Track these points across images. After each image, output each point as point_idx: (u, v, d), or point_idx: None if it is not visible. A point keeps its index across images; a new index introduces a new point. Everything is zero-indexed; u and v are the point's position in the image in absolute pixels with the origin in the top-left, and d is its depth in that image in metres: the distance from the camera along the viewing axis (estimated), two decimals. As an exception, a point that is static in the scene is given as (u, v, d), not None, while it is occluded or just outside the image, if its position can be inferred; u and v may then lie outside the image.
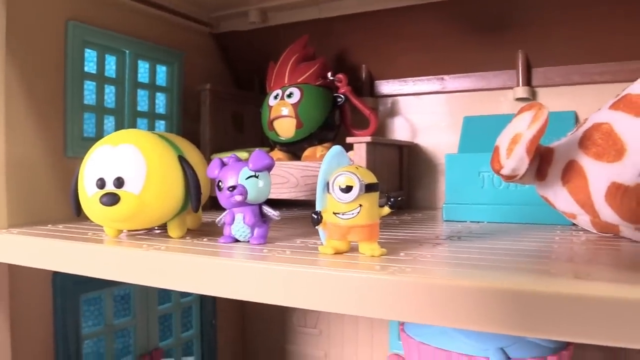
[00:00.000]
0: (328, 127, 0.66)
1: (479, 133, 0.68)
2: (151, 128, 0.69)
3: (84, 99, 0.60)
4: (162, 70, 0.71)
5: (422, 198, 0.74)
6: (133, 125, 0.66)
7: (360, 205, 0.33)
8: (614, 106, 0.41)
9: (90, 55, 0.61)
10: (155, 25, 0.69)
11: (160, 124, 0.72)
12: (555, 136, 0.65)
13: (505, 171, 0.39)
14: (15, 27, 0.52)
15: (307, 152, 0.65)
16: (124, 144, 0.38)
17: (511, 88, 0.68)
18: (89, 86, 0.61)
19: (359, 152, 0.59)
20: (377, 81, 0.76)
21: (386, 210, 0.34)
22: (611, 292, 0.23)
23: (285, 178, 0.64)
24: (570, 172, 0.41)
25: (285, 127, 0.65)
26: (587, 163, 0.40)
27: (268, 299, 0.32)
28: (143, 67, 0.68)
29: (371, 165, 0.60)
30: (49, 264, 0.42)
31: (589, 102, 0.64)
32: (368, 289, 0.29)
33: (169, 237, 0.42)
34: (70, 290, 0.57)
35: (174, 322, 0.73)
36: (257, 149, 0.40)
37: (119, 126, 0.64)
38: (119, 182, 0.37)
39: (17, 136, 0.53)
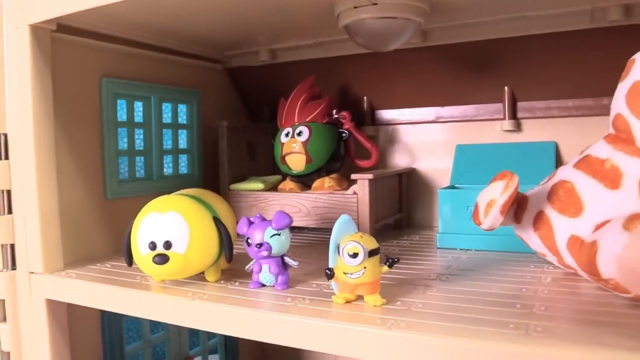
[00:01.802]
0: (334, 159, 0.74)
1: (471, 160, 0.76)
2: (175, 163, 0.77)
3: (118, 144, 0.68)
4: (182, 109, 0.79)
5: (420, 217, 0.82)
6: (160, 162, 0.73)
7: (365, 267, 0.41)
8: (577, 165, 0.49)
9: (121, 104, 0.69)
10: (174, 69, 0.76)
11: (183, 158, 0.79)
12: (538, 164, 0.73)
13: (483, 227, 0.47)
14: (58, 85, 0.59)
15: (316, 183, 0.74)
16: (170, 212, 0.46)
17: (499, 119, 0.75)
18: (122, 132, 0.69)
19: (363, 187, 0.67)
20: (377, 110, 0.83)
21: (385, 268, 0.42)
22: (557, 351, 0.32)
23: (298, 208, 0.72)
24: (539, 221, 0.49)
25: (296, 162, 0.73)
26: (553, 215, 0.48)
27: (292, 343, 0.40)
28: (166, 108, 0.76)
29: (373, 195, 0.68)
30: (106, 306, 0.51)
31: (568, 133, 0.72)
32: (371, 340, 0.37)
33: (206, 280, 0.51)
34: (114, 314, 0.66)
35: (200, 332, 0.82)
36: (277, 211, 0.48)
37: (148, 165, 0.72)
38: (168, 245, 0.45)
39: (65, 184, 0.61)
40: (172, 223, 0.46)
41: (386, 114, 0.83)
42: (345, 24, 0.56)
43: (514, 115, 0.74)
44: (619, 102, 0.47)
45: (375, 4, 0.52)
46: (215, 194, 0.57)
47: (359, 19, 0.54)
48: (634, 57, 0.47)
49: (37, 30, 0.55)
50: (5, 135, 0.57)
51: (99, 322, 0.66)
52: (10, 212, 0.58)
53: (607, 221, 0.44)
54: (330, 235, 0.43)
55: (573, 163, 0.50)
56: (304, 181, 0.75)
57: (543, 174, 0.68)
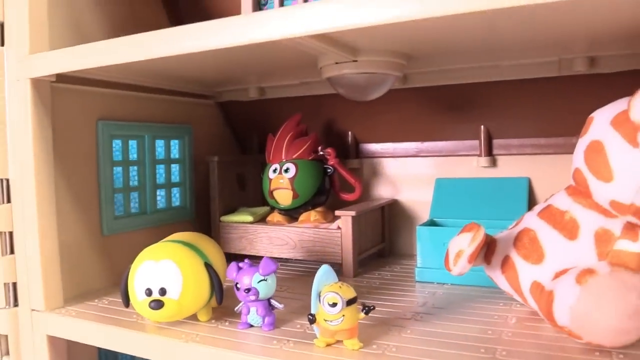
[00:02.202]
0: (320, 193, 0.78)
1: (449, 193, 0.80)
2: (168, 196, 0.81)
3: (114, 182, 0.71)
4: (175, 144, 0.82)
5: (402, 246, 0.86)
6: (153, 196, 0.77)
7: (344, 315, 0.45)
8: (540, 214, 0.53)
9: (117, 144, 0.72)
10: (167, 107, 0.80)
11: (175, 191, 0.83)
12: (512, 198, 0.77)
13: (453, 273, 0.52)
14: (57, 130, 0.62)
15: (303, 216, 0.78)
16: (164, 260, 0.50)
17: (476, 155, 0.80)
18: (117, 170, 0.72)
19: (346, 223, 0.71)
20: (361, 144, 0.87)
21: (362, 315, 0.46)
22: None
23: (285, 240, 0.76)
24: (506, 264, 0.54)
25: (284, 197, 0.76)
26: (518, 260, 0.52)
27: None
28: (159, 144, 0.79)
29: (356, 230, 0.72)
30: (104, 345, 0.55)
31: (540, 169, 0.76)
32: (349, 385, 0.41)
33: (198, 320, 0.54)
34: (110, 344, 0.70)
35: None
36: (264, 257, 0.51)
37: (142, 200, 0.76)
38: (163, 291, 0.49)
39: (63, 223, 0.64)
40: (166, 271, 0.49)
41: (370, 148, 0.87)
42: (328, 77, 0.60)
43: (489, 152, 0.78)
44: (578, 158, 0.51)
45: (356, 60, 0.56)
46: (206, 236, 0.60)
47: (340, 73, 0.58)
48: (592, 115, 0.52)
49: (37, 83, 0.59)
50: (8, 180, 0.61)
51: (97, 356, 0.69)
52: (12, 252, 0.62)
53: (565, 270, 0.48)
54: (314, 267, 0.47)
55: (537, 211, 0.54)
56: (291, 214, 0.79)
57: (516, 208, 0.72)
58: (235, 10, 0.53)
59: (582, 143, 0.51)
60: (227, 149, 0.94)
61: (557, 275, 0.48)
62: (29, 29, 0.58)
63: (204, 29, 0.45)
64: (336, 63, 0.58)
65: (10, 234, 0.62)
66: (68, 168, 0.65)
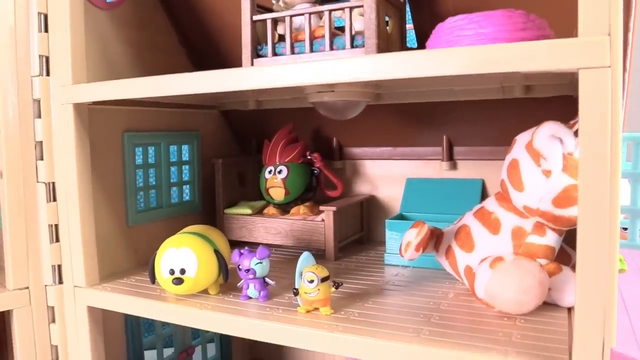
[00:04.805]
0: (308, 191, 0.94)
1: (417, 190, 0.95)
2: (180, 192, 0.96)
3: (136, 182, 0.86)
4: (185, 148, 0.97)
5: (378, 234, 1.01)
6: (168, 193, 0.92)
7: (319, 289, 0.60)
8: (475, 214, 0.69)
9: (138, 150, 0.87)
10: (179, 118, 0.95)
11: (186, 188, 0.98)
12: (468, 195, 0.92)
13: (404, 259, 0.67)
14: (92, 141, 0.76)
15: (293, 210, 0.93)
16: (183, 247, 0.65)
17: (439, 160, 0.94)
18: (139, 172, 0.87)
19: (328, 216, 0.86)
20: (344, 148, 1.02)
21: (333, 290, 0.61)
22: (432, 348, 0.51)
23: (278, 230, 0.91)
24: (449, 252, 0.69)
25: (277, 194, 0.92)
26: (457, 249, 0.68)
27: (271, 340, 0.60)
28: (173, 150, 0.94)
29: (337, 222, 0.87)
30: (136, 313, 0.70)
31: (492, 172, 0.91)
32: (319, 338, 0.57)
33: (209, 293, 0.70)
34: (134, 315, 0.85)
35: (200, 327, 1.02)
36: (260, 245, 0.67)
37: (159, 196, 0.91)
38: (182, 271, 0.64)
39: (98, 216, 0.79)
40: (185, 256, 0.65)
41: (352, 151, 1.02)
42: (312, 102, 0.75)
43: (450, 157, 0.93)
44: (503, 171, 0.66)
45: (333, 90, 0.71)
46: (215, 228, 0.76)
47: (321, 100, 0.72)
48: (516, 137, 0.66)
49: (78, 106, 0.73)
50: (54, 184, 0.76)
51: (123, 321, 0.85)
52: (57, 240, 0.77)
53: (488, 257, 0.63)
54: (302, 252, 0.63)
55: (474, 212, 0.70)
56: (284, 207, 0.94)
57: (471, 204, 0.87)
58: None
59: (507, 160, 0.66)
60: (229, 152, 1.09)
61: (482, 261, 0.64)
62: (71, 62, 0.72)
63: (210, 77, 0.60)
64: (318, 92, 0.72)
65: (56, 226, 0.77)
66: (101, 172, 0.80)
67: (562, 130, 0.58)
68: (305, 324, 0.59)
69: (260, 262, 0.66)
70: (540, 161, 0.59)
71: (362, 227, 0.99)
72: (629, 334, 0.51)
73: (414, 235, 0.65)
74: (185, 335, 0.98)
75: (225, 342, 1.06)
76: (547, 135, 0.58)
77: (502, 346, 0.51)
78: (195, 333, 1.03)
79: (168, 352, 0.97)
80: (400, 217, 0.90)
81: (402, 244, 0.68)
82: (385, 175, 1.00)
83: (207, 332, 1.04)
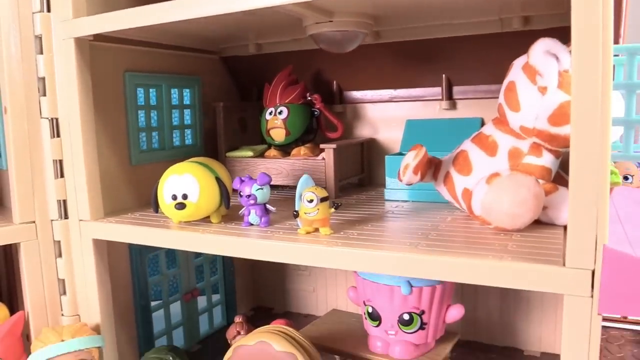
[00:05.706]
0: (308, 132, 0.94)
1: (417, 131, 0.95)
2: (182, 135, 0.97)
3: (138, 123, 0.87)
4: (187, 92, 0.98)
5: (379, 176, 1.01)
6: (170, 135, 0.93)
7: (318, 209, 0.61)
8: (473, 139, 0.69)
9: (140, 91, 0.88)
10: (180, 61, 0.95)
11: (188, 131, 0.99)
12: (467, 134, 0.92)
13: (403, 182, 0.68)
14: (94, 79, 0.77)
15: (294, 151, 0.94)
16: (185, 174, 0.66)
17: (439, 100, 0.95)
18: (141, 113, 0.88)
19: (328, 154, 0.87)
20: (344, 92, 1.03)
21: (332, 210, 0.63)
22: (428, 256, 0.52)
23: (279, 170, 0.92)
24: (447, 178, 0.70)
25: (278, 135, 0.92)
26: (454, 174, 0.69)
27: (272, 258, 0.61)
28: (174, 93, 0.95)
29: (337, 160, 0.88)
30: (141, 241, 0.72)
31: (491, 110, 0.89)
32: (319, 253, 0.58)
33: (211, 222, 0.71)
34: (140, 252, 0.87)
35: (205, 270, 1.04)
36: (260, 172, 0.68)
37: (161, 138, 0.92)
38: (184, 196, 0.66)
39: (101, 154, 0.79)
40: (187, 181, 0.66)
41: (352, 95, 1.02)
42: (310, 34, 0.75)
43: (450, 97, 0.93)
44: (500, 95, 0.67)
45: (332, 21, 0.71)
46: (217, 160, 0.77)
47: (320, 31, 0.73)
48: (513, 62, 0.67)
49: (79, 41, 0.73)
50: (57, 119, 0.76)
51: (129, 259, 0.87)
52: (62, 176, 0.78)
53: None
54: None
55: (471, 138, 0.70)
56: (285, 149, 0.95)
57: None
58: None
59: (504, 84, 0.66)
60: (230, 97, 1.09)
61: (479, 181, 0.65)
62: (71, -5, 0.72)
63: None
64: (316, 23, 0.72)
65: (60, 161, 0.78)
66: (103, 110, 0.81)
67: (558, 47, 0.58)
68: (307, 241, 0.60)
69: (261, 188, 0.67)
70: (536, 78, 0.59)
71: (363, 169, 1.00)
72: (622, 237, 0.52)
73: (411, 158, 0.66)
74: (189, 278, 1.00)
75: (229, 284, 1.08)
76: (542, 51, 0.58)
77: (498, 253, 0.53)
78: (199, 276, 1.05)
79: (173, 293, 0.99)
80: (400, 155, 0.91)
81: (400, 167, 0.68)
82: (385, 118, 1.00)
83: (212, 275, 1.06)
